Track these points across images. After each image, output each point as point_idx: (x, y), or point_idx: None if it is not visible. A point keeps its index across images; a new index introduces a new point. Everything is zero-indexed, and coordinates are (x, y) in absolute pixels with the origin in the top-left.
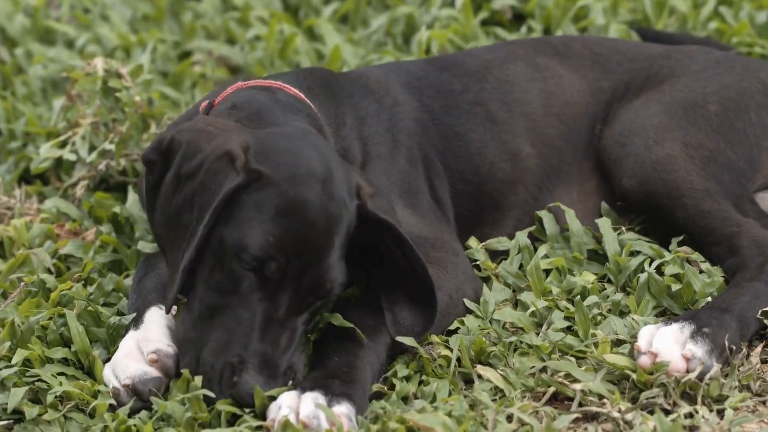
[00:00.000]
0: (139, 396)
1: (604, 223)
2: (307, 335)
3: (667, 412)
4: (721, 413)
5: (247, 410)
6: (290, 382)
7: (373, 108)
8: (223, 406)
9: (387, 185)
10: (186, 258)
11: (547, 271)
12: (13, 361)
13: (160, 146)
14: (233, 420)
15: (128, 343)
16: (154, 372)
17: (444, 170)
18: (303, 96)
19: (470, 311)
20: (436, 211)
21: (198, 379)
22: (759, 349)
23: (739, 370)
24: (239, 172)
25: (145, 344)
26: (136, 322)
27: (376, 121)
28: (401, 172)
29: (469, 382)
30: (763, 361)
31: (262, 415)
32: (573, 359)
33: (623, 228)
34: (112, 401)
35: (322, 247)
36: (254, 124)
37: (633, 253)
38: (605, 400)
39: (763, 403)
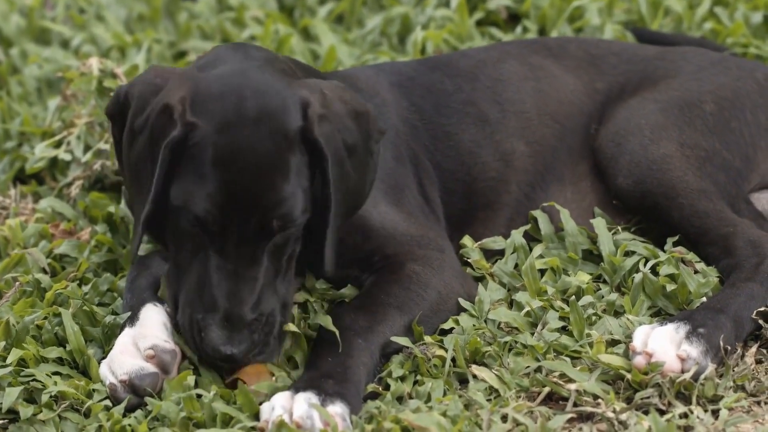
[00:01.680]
0: (136, 392)
1: (599, 223)
2: (287, 271)
3: (661, 413)
4: (715, 413)
5: (242, 411)
6: (274, 331)
7: None
8: (218, 406)
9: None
10: (143, 214)
11: (542, 271)
12: (8, 361)
13: (117, 100)
14: (228, 420)
15: (124, 339)
16: (150, 368)
17: (435, 169)
18: (284, 58)
19: (465, 311)
20: (424, 208)
21: (191, 379)
22: (754, 349)
23: (734, 371)
24: (177, 125)
25: (142, 340)
26: (132, 320)
27: None
28: (386, 168)
29: (463, 382)
30: (758, 362)
31: (255, 416)
32: (568, 359)
33: (618, 228)
34: (107, 401)
35: (262, 189)
36: (204, 71)
37: (628, 253)
38: (600, 400)
39: (758, 403)
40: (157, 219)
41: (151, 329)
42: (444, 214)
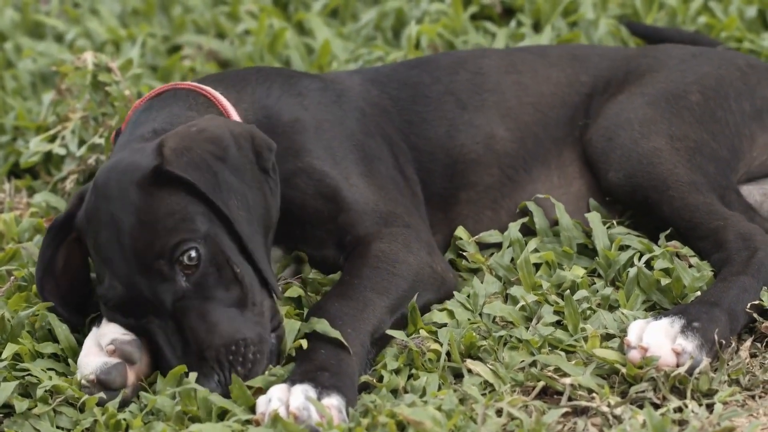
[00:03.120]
0: (107, 386)
1: (594, 218)
2: (246, 296)
3: (656, 407)
4: (710, 407)
5: (237, 404)
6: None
7: (316, 86)
8: (214, 398)
9: (340, 150)
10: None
11: (537, 265)
12: (3, 356)
13: None
14: (223, 414)
15: (88, 342)
16: (113, 360)
17: (412, 151)
18: (202, 89)
19: (459, 303)
20: (398, 181)
21: (192, 375)
22: (748, 343)
23: (728, 365)
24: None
25: (103, 338)
26: (99, 321)
27: (319, 94)
28: (354, 139)
29: (458, 376)
30: (753, 356)
31: (251, 409)
32: (562, 353)
33: (613, 222)
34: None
35: (130, 249)
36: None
37: (622, 248)
38: (595, 395)
39: (753, 397)
40: None
41: (109, 326)
42: (425, 194)
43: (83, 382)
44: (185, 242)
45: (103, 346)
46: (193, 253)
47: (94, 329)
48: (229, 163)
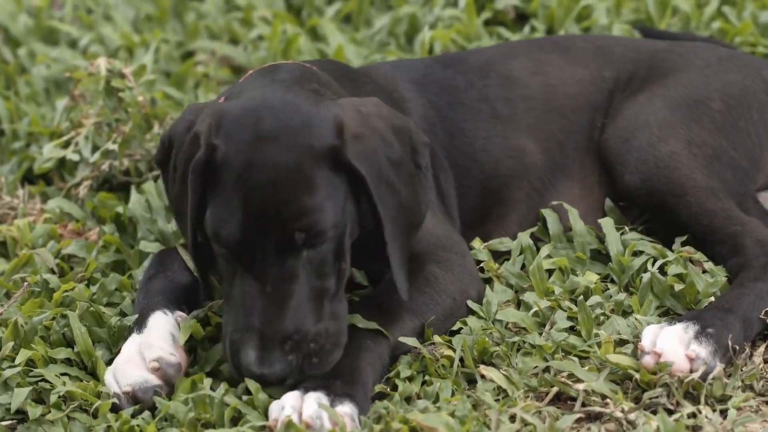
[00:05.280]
0: (139, 403)
1: (607, 223)
2: (337, 293)
3: (670, 412)
4: (724, 413)
5: (253, 407)
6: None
7: (376, 97)
8: (229, 399)
9: None
10: (189, 246)
11: (550, 271)
12: (17, 361)
13: (162, 146)
14: (236, 420)
15: (130, 348)
16: (154, 380)
17: (450, 167)
18: (317, 70)
19: (473, 312)
20: (440, 206)
21: (207, 381)
22: (762, 349)
23: (742, 370)
24: (201, 148)
25: (148, 350)
26: (140, 325)
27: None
28: None
29: (472, 382)
30: (766, 361)
31: (265, 413)
32: (576, 359)
33: (626, 228)
34: (116, 400)
35: (280, 203)
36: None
37: (636, 253)
38: (608, 400)
39: (767, 402)
40: (206, 249)
41: (157, 339)
42: (459, 211)
43: (115, 388)
44: (333, 227)
45: (146, 358)
46: (328, 234)
47: (135, 334)
48: (392, 159)
